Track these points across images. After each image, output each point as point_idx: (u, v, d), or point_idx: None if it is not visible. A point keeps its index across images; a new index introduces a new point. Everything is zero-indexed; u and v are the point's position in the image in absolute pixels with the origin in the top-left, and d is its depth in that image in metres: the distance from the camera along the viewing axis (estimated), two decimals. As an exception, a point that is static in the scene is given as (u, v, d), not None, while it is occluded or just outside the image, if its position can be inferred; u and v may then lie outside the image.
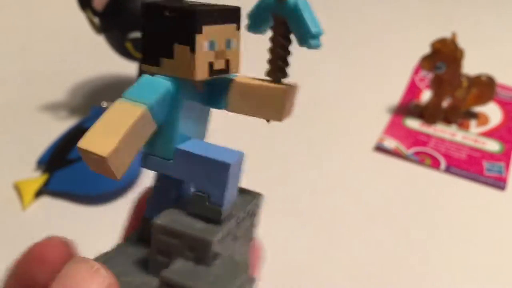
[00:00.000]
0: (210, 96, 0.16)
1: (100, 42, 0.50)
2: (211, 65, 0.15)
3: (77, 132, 0.47)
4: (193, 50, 0.14)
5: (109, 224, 0.42)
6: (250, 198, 0.17)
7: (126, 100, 0.14)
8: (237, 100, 0.16)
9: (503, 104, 0.57)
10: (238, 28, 0.15)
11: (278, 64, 0.16)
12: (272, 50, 0.16)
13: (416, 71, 0.63)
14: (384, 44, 0.70)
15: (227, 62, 0.15)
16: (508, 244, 0.41)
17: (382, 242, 0.40)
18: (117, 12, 0.45)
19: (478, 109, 0.55)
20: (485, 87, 0.52)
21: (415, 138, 0.52)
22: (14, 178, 0.46)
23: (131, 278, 0.15)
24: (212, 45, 0.14)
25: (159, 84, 0.15)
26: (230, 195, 0.15)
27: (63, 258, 0.17)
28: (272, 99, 0.15)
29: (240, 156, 0.15)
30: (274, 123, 0.16)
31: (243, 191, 0.17)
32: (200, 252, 0.14)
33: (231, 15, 0.15)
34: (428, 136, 0.52)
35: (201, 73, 0.14)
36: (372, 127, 0.53)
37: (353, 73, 0.63)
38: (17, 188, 0.45)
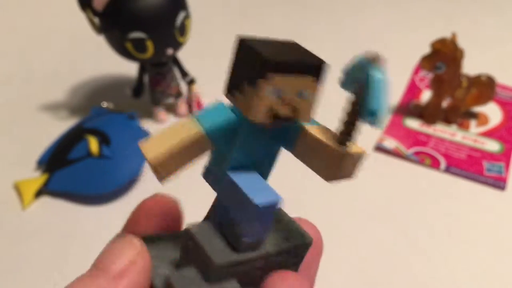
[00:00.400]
0: (279, 136, 0.17)
1: (100, 42, 0.50)
2: (273, 110, 0.15)
3: (77, 132, 0.47)
4: (255, 93, 0.14)
5: (109, 224, 0.42)
6: (295, 239, 0.17)
7: (193, 119, 0.16)
8: (302, 148, 0.16)
9: (503, 104, 0.58)
10: (318, 81, 0.15)
11: (347, 128, 0.15)
12: (345, 112, 0.15)
13: (416, 71, 0.63)
14: (384, 44, 0.70)
15: (295, 110, 0.15)
16: (508, 244, 0.41)
17: (382, 242, 0.40)
18: (117, 12, 0.45)
19: (478, 109, 0.55)
20: (485, 87, 0.52)
21: (415, 138, 0.52)
22: (14, 178, 0.46)
23: (159, 265, 0.17)
24: (278, 92, 0.15)
25: (225, 114, 0.16)
26: (256, 230, 0.16)
27: (168, 213, 0.19)
28: (329, 160, 0.15)
29: (274, 200, 0.15)
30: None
31: (295, 229, 0.17)
32: (205, 268, 0.15)
33: (311, 68, 0.15)
34: (428, 136, 0.52)
35: (258, 116, 0.15)
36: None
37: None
38: (17, 188, 0.45)
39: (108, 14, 0.46)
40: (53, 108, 0.56)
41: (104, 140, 0.45)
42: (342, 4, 0.82)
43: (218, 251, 0.15)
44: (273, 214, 0.16)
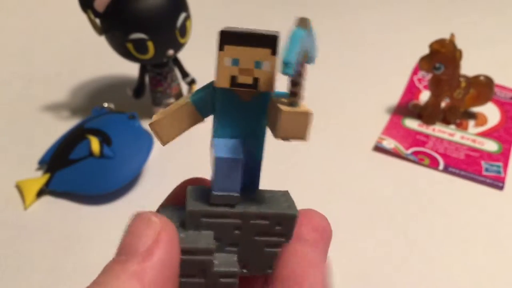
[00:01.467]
0: (258, 109, 0.19)
1: (101, 43, 0.50)
2: (233, 78, 0.17)
3: (79, 132, 0.47)
4: (217, 62, 0.17)
5: (110, 224, 0.43)
6: (278, 208, 0.19)
7: (189, 94, 0.19)
8: (269, 116, 0.18)
9: (501, 104, 0.58)
10: (274, 53, 0.17)
11: (291, 89, 0.17)
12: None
13: (415, 72, 0.63)
14: (383, 44, 0.71)
15: (256, 79, 0.17)
16: (506, 243, 0.41)
17: (381, 242, 0.41)
18: (118, 13, 0.46)
19: (476, 109, 0.56)
20: (483, 88, 0.53)
21: (414, 138, 0.52)
22: (16, 178, 0.46)
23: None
24: (235, 62, 0.17)
25: (208, 87, 0.18)
26: (223, 184, 0.18)
27: None
28: (276, 119, 0.17)
29: (231, 156, 0.17)
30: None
31: (285, 203, 0.19)
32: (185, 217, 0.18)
33: (266, 41, 0.17)
34: (427, 136, 0.52)
35: (221, 82, 0.17)
36: (371, 127, 0.54)
37: (352, 74, 0.64)
38: (19, 188, 0.45)
39: (109, 15, 0.46)
40: (54, 108, 0.57)
41: (105, 140, 0.45)
42: (341, 5, 0.82)
43: (196, 202, 0.18)
44: (238, 172, 0.18)
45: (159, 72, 0.52)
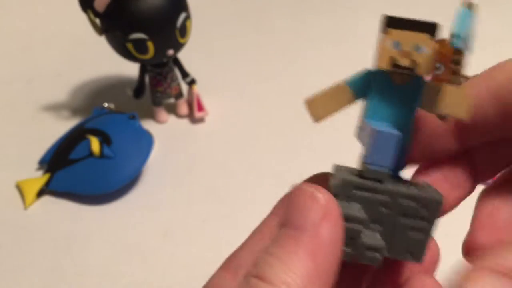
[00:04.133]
0: (409, 93, 0.20)
1: (101, 43, 0.50)
2: (393, 59, 0.19)
3: (79, 132, 0.47)
4: (379, 44, 0.19)
5: (110, 224, 0.43)
6: (426, 192, 0.18)
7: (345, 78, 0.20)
8: (427, 100, 0.19)
9: (501, 104, 0.58)
10: (433, 38, 0.19)
11: (452, 68, 0.18)
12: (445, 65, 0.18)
13: (415, 72, 0.63)
14: (383, 44, 0.71)
15: (414, 62, 0.19)
16: (506, 243, 0.41)
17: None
18: (118, 13, 0.46)
19: (476, 109, 0.56)
20: (483, 88, 0.53)
21: (414, 138, 0.52)
22: (16, 177, 0.46)
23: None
24: (396, 45, 0.19)
25: (363, 71, 0.20)
26: (377, 158, 0.18)
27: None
28: (436, 96, 0.18)
29: (391, 132, 0.18)
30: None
31: (431, 189, 0.19)
32: None
33: (425, 26, 0.19)
34: (427, 136, 0.52)
35: (381, 63, 0.19)
36: (371, 127, 0.53)
37: (352, 73, 0.64)
38: (19, 188, 0.45)
39: (109, 15, 0.46)
40: (55, 108, 0.57)
41: (105, 140, 0.45)
42: (341, 4, 0.82)
43: (342, 174, 0.18)
44: (394, 148, 0.18)
45: (159, 72, 0.52)
